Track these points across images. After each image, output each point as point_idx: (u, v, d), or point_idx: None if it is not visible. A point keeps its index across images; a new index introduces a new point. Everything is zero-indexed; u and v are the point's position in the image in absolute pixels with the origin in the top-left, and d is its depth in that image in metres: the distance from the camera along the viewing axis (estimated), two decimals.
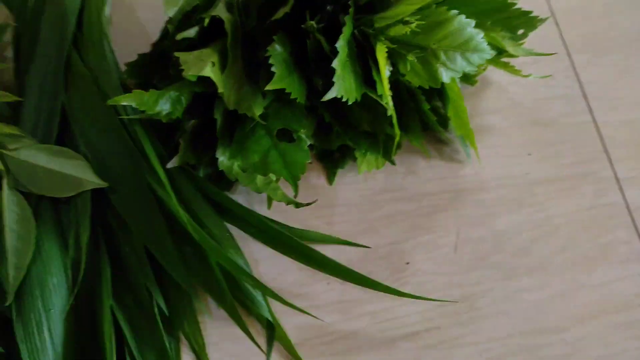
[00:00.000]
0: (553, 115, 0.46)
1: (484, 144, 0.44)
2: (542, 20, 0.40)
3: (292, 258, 0.38)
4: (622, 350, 0.39)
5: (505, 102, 0.45)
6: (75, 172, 0.35)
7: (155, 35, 0.39)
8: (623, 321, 0.40)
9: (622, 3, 0.52)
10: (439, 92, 0.40)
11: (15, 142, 0.36)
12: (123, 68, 0.38)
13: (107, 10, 0.41)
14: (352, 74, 0.32)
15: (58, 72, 0.37)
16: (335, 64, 0.30)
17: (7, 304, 0.34)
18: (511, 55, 0.40)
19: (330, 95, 0.30)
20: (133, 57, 0.38)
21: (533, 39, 0.41)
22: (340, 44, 0.30)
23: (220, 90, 0.30)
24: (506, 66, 0.41)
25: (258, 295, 0.37)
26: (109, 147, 0.35)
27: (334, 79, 0.30)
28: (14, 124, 0.37)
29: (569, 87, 0.47)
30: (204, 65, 0.29)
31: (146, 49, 0.39)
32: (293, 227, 0.39)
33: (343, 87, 0.30)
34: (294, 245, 0.37)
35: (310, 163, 0.35)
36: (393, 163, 0.42)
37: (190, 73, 0.29)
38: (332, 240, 0.40)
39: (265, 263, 0.39)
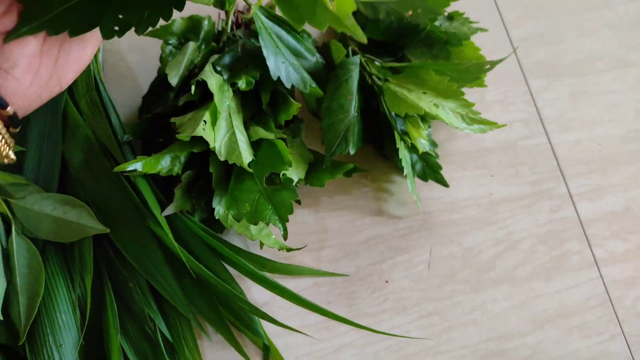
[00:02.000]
0: (513, 138, 0.51)
1: (452, 167, 0.48)
2: (501, 60, 0.44)
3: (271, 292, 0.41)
4: (577, 349, 0.44)
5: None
6: (79, 219, 0.37)
7: (144, 77, 0.42)
8: (578, 323, 0.45)
9: (573, 30, 0.57)
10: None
11: (21, 191, 0.38)
12: (119, 110, 0.41)
13: (100, 56, 0.43)
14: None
15: (56, 122, 0.39)
16: None
17: (20, 343, 0.36)
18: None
19: None
20: (124, 99, 0.40)
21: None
22: None
23: (211, 146, 0.33)
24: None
25: (253, 319, 0.41)
26: (109, 194, 0.38)
27: None
28: (18, 173, 0.39)
29: (526, 111, 0.52)
30: (196, 125, 0.32)
31: (137, 90, 0.41)
32: (280, 264, 0.42)
33: None
34: (269, 282, 0.41)
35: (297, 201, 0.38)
36: None
37: (185, 134, 0.32)
38: (315, 272, 0.43)
39: (256, 289, 0.42)
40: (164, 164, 0.36)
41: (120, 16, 0.26)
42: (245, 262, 0.40)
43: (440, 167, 0.46)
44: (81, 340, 0.37)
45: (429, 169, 0.46)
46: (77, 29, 0.25)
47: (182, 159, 0.35)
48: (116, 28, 0.26)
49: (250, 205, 0.35)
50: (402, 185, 0.47)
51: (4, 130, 0.25)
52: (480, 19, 0.55)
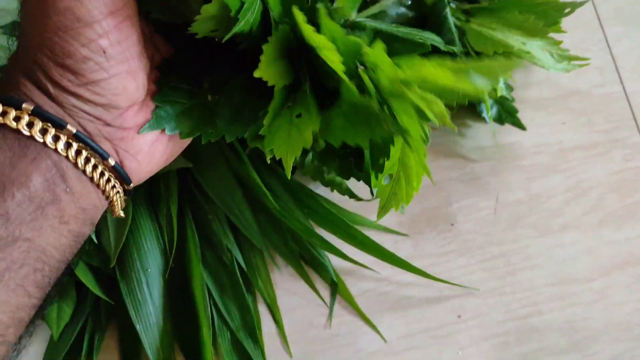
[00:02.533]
0: (586, 86, 0.49)
1: (523, 115, 0.48)
2: (582, 3, 0.43)
3: (342, 239, 0.43)
4: None
5: (543, 75, 0.49)
6: None
7: None
8: None
9: None
10: None
11: None
12: None
13: None
14: None
15: None
16: None
17: (111, 265, 0.40)
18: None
19: None
20: None
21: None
22: None
23: None
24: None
25: (322, 254, 0.43)
26: None
27: None
28: None
29: (601, 58, 0.50)
30: None
31: None
32: (349, 212, 0.44)
33: None
34: (343, 227, 0.43)
35: None
36: None
37: None
38: (378, 227, 0.45)
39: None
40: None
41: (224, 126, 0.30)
42: (321, 201, 0.42)
43: (516, 111, 0.46)
44: (170, 265, 0.40)
45: (505, 113, 0.46)
46: (187, 134, 0.30)
47: None
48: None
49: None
50: (474, 130, 0.47)
51: (123, 197, 0.30)
52: None
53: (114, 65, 0.26)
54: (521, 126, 0.47)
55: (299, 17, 0.25)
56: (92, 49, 0.25)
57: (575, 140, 0.48)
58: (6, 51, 0.40)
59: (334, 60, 0.26)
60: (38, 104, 0.25)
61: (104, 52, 0.25)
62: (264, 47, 0.26)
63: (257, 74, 0.26)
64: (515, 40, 0.41)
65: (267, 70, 0.27)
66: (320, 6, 0.26)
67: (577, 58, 0.41)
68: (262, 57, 0.26)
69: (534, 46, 0.42)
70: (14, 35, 0.39)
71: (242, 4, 0.26)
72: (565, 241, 0.45)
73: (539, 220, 0.45)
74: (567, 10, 0.43)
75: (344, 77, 0.26)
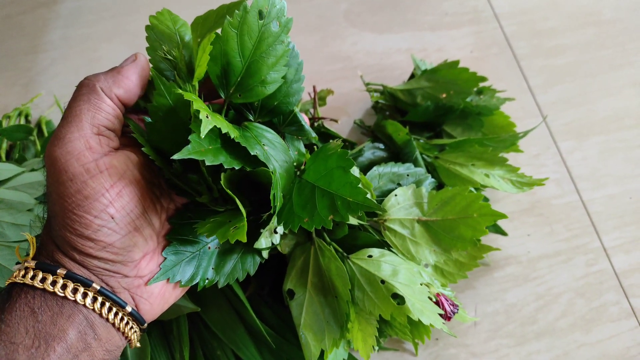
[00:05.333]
0: (546, 198, 0.55)
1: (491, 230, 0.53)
2: (532, 129, 0.50)
3: None
4: None
5: (504, 193, 0.55)
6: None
7: None
8: None
9: (598, 91, 0.61)
10: None
11: None
12: None
13: None
14: None
15: None
16: None
17: None
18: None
19: None
20: None
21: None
22: None
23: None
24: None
25: None
26: None
27: None
28: None
29: (557, 171, 0.57)
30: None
31: None
32: None
33: None
34: None
35: None
36: None
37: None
38: None
39: None
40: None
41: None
42: None
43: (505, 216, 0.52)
44: None
45: None
46: (187, 282, 0.36)
47: None
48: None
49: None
50: None
51: (139, 333, 0.36)
52: (508, 88, 0.61)
53: (123, 226, 0.32)
54: (502, 232, 0.53)
55: None
56: (103, 218, 0.31)
57: (540, 249, 0.53)
58: (41, 220, 0.47)
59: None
60: (68, 268, 0.31)
61: (112, 217, 0.32)
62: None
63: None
64: (478, 174, 0.48)
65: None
66: None
67: (536, 182, 0.47)
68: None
69: (496, 176, 0.48)
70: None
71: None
72: (541, 348, 0.49)
73: (516, 329, 0.50)
74: (520, 135, 0.50)
75: None
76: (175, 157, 0.30)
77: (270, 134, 0.37)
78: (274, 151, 0.36)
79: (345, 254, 0.42)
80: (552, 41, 0.64)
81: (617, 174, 0.57)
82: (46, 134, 0.59)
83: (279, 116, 0.39)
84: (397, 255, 0.42)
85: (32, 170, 0.52)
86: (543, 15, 0.66)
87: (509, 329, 0.50)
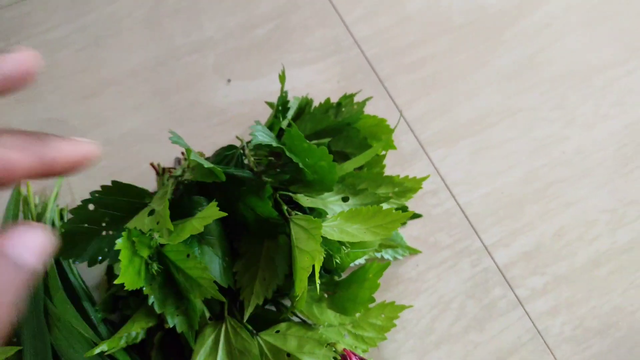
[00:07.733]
0: (426, 209, 0.58)
1: None
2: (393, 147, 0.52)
3: None
4: None
5: None
6: None
7: None
8: None
9: (458, 96, 0.65)
10: None
11: None
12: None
13: None
14: None
15: (40, 320, 0.48)
16: None
17: None
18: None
19: None
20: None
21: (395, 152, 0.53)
22: None
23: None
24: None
25: None
26: None
27: None
28: None
29: (432, 182, 0.60)
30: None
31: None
32: None
33: None
34: None
35: None
36: None
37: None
38: None
39: None
40: (132, 334, 0.44)
41: None
42: None
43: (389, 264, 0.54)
44: None
45: None
46: None
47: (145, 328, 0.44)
48: None
49: None
50: None
51: None
52: (376, 111, 0.63)
53: None
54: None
55: None
56: None
57: (428, 261, 0.56)
58: None
59: None
60: None
61: None
62: None
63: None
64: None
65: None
66: None
67: (416, 182, 0.50)
68: None
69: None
70: None
71: None
72: (441, 356, 0.52)
73: (416, 344, 0.52)
74: (383, 156, 0.52)
75: None
76: None
77: None
78: None
79: (254, 332, 0.44)
80: (411, 56, 0.67)
81: (488, 171, 0.60)
82: None
83: None
84: (304, 323, 0.45)
85: None
86: (400, 31, 0.69)
87: (409, 345, 0.52)
